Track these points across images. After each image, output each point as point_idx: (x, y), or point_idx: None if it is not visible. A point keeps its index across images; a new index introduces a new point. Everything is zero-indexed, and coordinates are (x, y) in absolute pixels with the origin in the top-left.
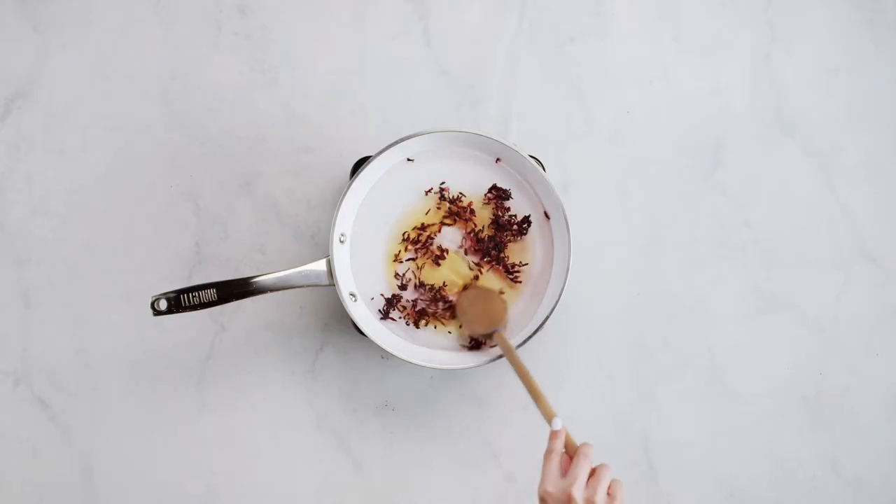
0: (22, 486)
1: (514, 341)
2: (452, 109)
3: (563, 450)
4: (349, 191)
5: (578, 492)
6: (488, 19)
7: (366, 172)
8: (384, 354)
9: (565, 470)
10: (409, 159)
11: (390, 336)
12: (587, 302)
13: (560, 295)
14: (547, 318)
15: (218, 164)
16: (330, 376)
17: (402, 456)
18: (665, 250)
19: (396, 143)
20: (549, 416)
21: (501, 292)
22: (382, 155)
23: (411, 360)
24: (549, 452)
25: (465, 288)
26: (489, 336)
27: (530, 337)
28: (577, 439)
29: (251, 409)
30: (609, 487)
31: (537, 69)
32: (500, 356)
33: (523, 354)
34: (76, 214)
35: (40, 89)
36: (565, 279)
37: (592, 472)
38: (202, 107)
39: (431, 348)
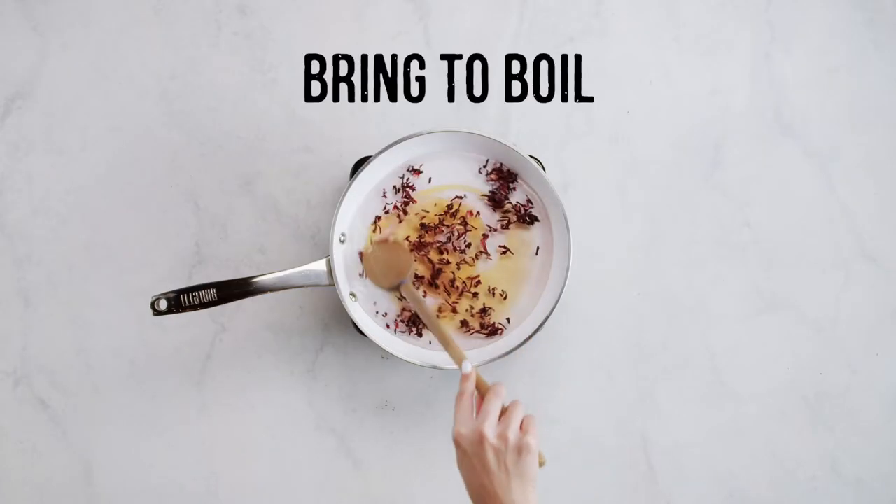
0: (22, 486)
1: (514, 341)
2: (452, 109)
3: (475, 391)
4: (349, 191)
5: (490, 429)
6: (488, 19)
7: (366, 172)
8: (384, 354)
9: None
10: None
11: (390, 336)
12: (587, 302)
13: (560, 295)
14: (547, 318)
15: (218, 164)
16: (330, 376)
17: (402, 456)
18: (665, 250)
19: (396, 142)
20: (458, 360)
21: (408, 243)
22: (382, 155)
23: (411, 360)
24: (460, 395)
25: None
26: (397, 289)
27: (530, 337)
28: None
29: (251, 409)
30: (522, 423)
31: (537, 69)
32: (501, 356)
33: (523, 354)
34: (76, 214)
35: (40, 89)
36: (565, 279)
37: (504, 412)
38: (202, 107)
39: (431, 349)
